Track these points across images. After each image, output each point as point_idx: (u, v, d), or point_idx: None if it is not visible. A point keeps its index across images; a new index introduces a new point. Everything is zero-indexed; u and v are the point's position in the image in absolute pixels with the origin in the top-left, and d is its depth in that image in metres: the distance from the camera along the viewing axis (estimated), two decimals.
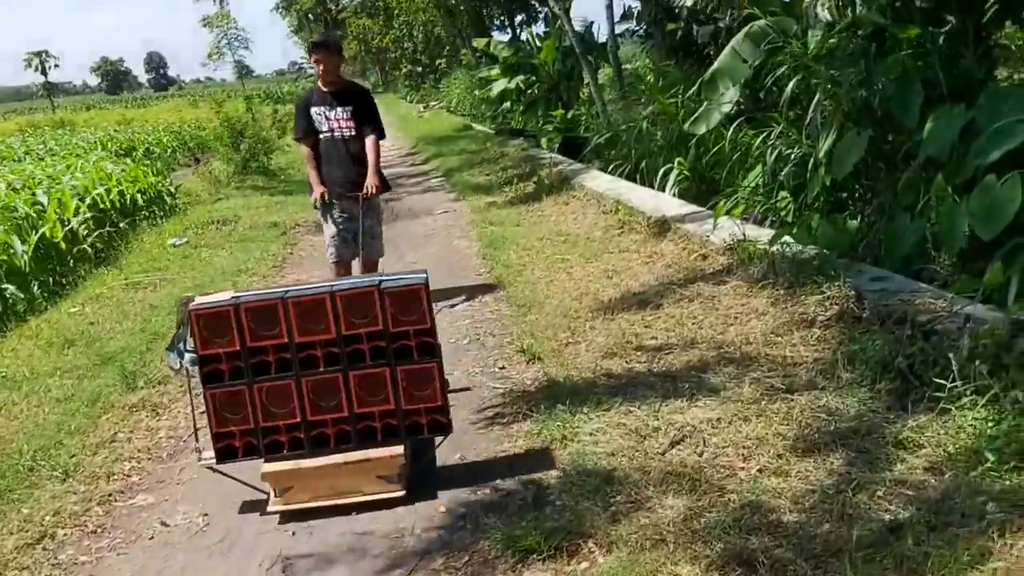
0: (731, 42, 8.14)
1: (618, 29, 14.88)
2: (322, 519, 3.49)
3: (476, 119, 22.05)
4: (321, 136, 5.96)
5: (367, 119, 6.01)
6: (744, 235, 6.04)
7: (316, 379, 3.49)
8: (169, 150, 22.75)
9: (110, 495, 3.83)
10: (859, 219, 6.09)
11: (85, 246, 9.07)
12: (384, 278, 3.64)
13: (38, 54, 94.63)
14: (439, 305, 6.26)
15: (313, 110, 5.96)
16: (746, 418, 3.72)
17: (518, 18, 26.46)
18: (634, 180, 10.09)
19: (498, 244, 7.80)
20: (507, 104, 19.12)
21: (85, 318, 6.61)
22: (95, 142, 21.37)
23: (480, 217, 9.44)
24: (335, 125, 5.96)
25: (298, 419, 3.49)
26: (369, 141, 5.97)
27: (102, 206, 10.35)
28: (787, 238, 5.49)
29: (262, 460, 3.54)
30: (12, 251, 7.61)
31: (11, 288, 7.24)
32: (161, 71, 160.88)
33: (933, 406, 3.50)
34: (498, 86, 18.76)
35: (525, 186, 10.90)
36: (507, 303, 6.11)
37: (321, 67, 5.94)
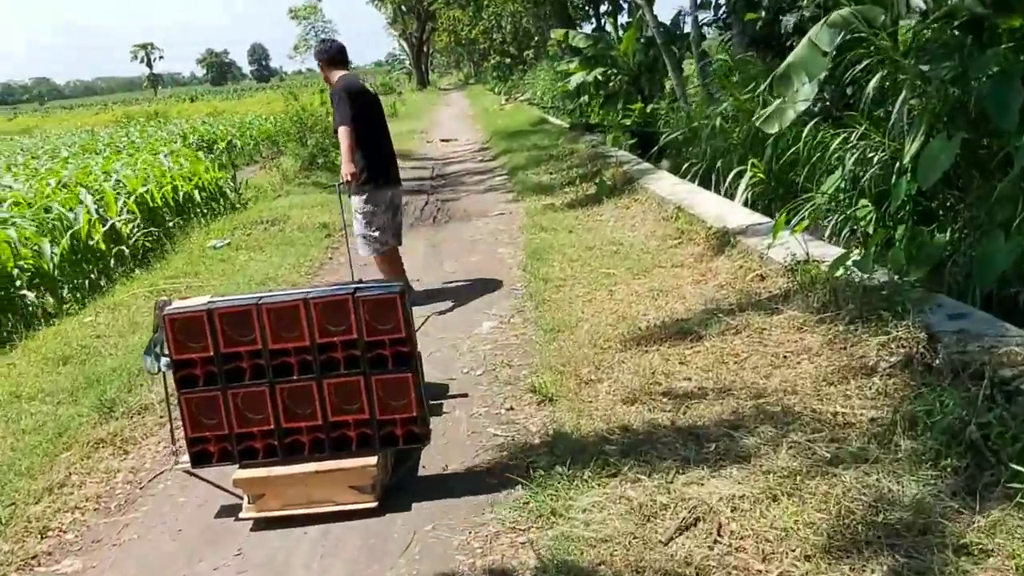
0: (808, 33, 7.35)
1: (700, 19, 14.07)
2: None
3: (556, 113, 21.39)
4: None
5: (335, 114, 6.11)
6: (807, 254, 5.27)
7: (290, 386, 3.45)
8: (252, 143, 22.76)
9: (34, 557, 3.39)
10: (948, 233, 5.31)
11: (124, 247, 8.79)
12: (360, 286, 3.57)
13: (144, 46, 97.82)
14: (425, 309, 6.13)
15: None
16: (776, 497, 3.02)
17: (602, 7, 25.60)
18: (708, 182, 9.35)
19: (543, 254, 7.17)
20: (584, 97, 18.41)
21: (93, 330, 6.27)
22: (179, 135, 21.50)
23: (533, 221, 8.81)
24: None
25: (272, 426, 3.47)
26: (340, 134, 6.00)
27: (152, 204, 10.11)
28: (852, 259, 4.72)
29: (237, 466, 3.50)
30: (40, 254, 7.35)
31: (30, 295, 6.97)
32: (264, 62, 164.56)
33: (1011, 495, 2.75)
34: (576, 79, 18.04)
35: (587, 187, 10.22)
36: (536, 325, 5.49)
37: None
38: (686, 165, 10.16)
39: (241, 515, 3.50)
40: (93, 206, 8.62)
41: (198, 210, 11.37)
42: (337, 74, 6.26)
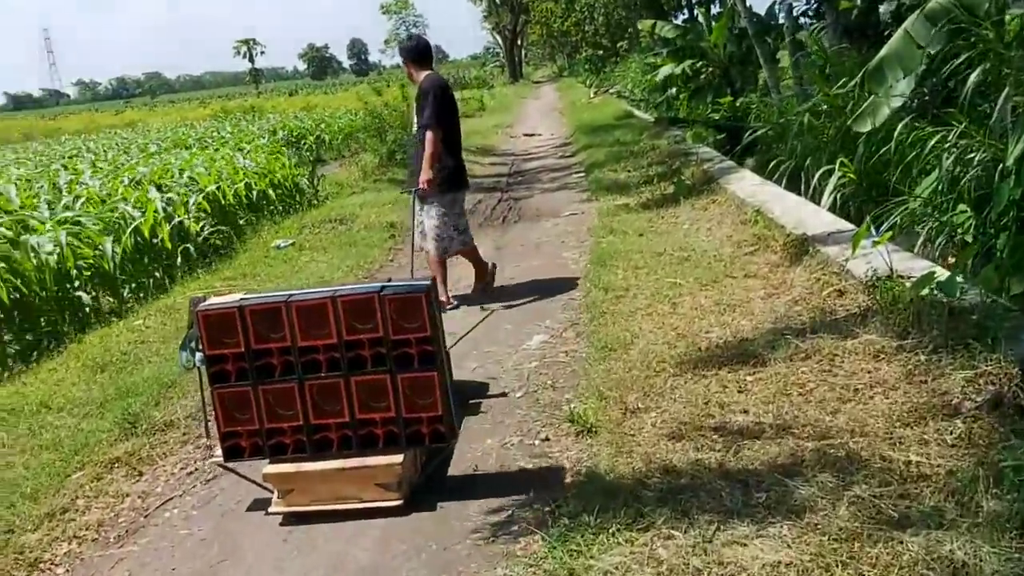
0: (904, 23, 6.75)
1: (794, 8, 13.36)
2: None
3: (645, 106, 20.82)
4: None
5: (421, 113, 6.10)
6: (891, 269, 4.74)
7: (319, 383, 3.48)
8: (340, 138, 22.81)
9: None
10: None
11: (189, 246, 8.72)
12: (388, 284, 3.57)
13: (246, 42, 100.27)
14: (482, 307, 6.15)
15: None
16: (828, 567, 2.59)
17: None
18: (796, 182, 8.77)
19: (608, 260, 6.76)
20: (672, 90, 17.82)
21: (140, 335, 6.15)
22: (269, 130, 21.70)
23: (604, 223, 8.40)
24: (414, 121, 6.33)
25: (301, 422, 3.50)
26: (425, 135, 6.03)
27: (223, 202, 10.07)
28: (938, 279, 4.18)
29: (267, 461, 3.56)
30: (102, 253, 7.30)
31: (85, 296, 6.91)
32: (362, 57, 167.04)
33: None
34: (664, 71, 17.49)
35: (665, 186, 9.73)
36: (589, 341, 5.11)
37: None
38: (773, 163, 9.59)
39: (270, 509, 3.54)
40: (161, 204, 8.57)
41: (272, 207, 11.31)
42: (423, 72, 6.25)
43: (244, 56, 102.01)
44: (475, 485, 3.64)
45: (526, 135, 20.18)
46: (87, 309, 6.97)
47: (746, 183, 8.61)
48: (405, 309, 3.43)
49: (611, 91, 29.66)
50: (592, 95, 29.55)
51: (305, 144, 21.34)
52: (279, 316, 3.43)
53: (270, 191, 11.34)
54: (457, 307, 6.31)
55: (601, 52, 42.22)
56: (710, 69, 16.55)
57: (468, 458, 3.89)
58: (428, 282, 3.57)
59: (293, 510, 3.51)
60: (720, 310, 5.22)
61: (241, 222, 10.21)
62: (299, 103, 37.95)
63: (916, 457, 3.10)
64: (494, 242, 8.37)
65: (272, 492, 3.58)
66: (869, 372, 3.84)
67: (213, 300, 3.63)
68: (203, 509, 3.68)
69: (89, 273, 7.20)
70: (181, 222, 8.77)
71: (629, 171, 11.37)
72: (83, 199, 9.20)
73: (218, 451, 3.63)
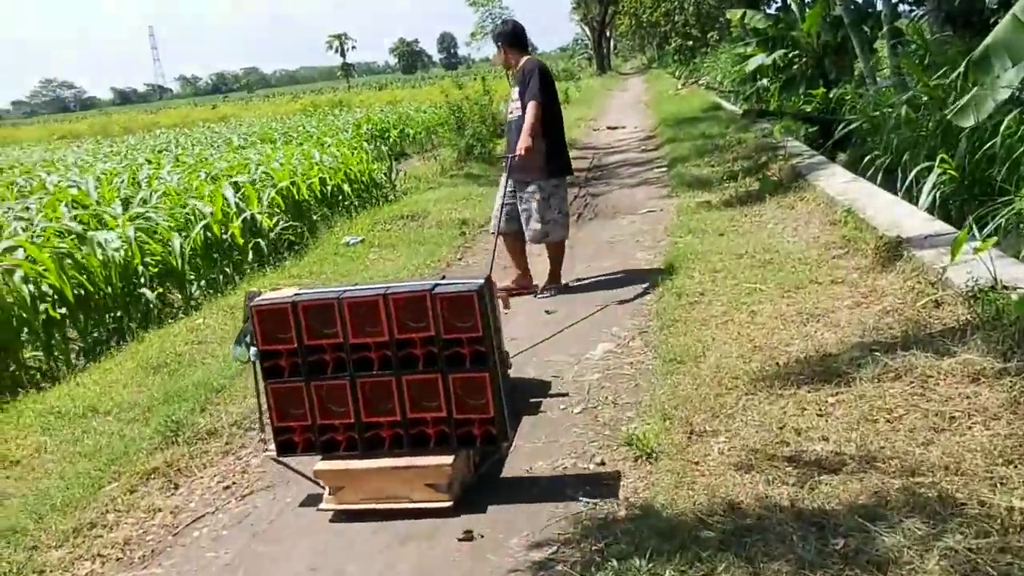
0: (1013, 8, 6.17)
1: None
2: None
3: (734, 98, 20.15)
4: (507, 118, 6.44)
5: (526, 90, 6.04)
6: (995, 278, 4.27)
7: (370, 381, 3.46)
8: (424, 132, 22.75)
9: None
10: None
11: (259, 241, 8.65)
12: (439, 282, 3.51)
13: (338, 36, 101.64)
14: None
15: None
16: None
17: None
18: (892, 180, 8.22)
19: (684, 262, 6.39)
20: (763, 81, 17.15)
21: (198, 334, 6.04)
22: (354, 124, 21.78)
23: (682, 221, 8.00)
24: (512, 107, 6.29)
25: (352, 420, 3.48)
26: (527, 108, 5.97)
27: (297, 197, 10.00)
28: None
29: (319, 457, 3.55)
30: (170, 249, 7.26)
31: (149, 293, 6.86)
32: (452, 50, 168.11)
33: None
34: (754, 61, 16.82)
35: (750, 182, 9.26)
36: (657, 352, 4.77)
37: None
38: (866, 159, 9.03)
39: (321, 506, 3.51)
40: (233, 199, 8.52)
41: (347, 203, 11.21)
42: (522, 56, 6.28)
43: (336, 51, 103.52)
44: (517, 515, 3.35)
45: (610, 128, 19.77)
46: (151, 306, 6.91)
47: (836, 180, 8.10)
48: (456, 308, 3.36)
49: (700, 82, 28.92)
50: (679, 87, 28.88)
51: (389, 138, 21.37)
52: (331, 312, 3.41)
53: (345, 186, 11.23)
54: (535, 293, 6.38)
55: (691, 43, 41.33)
56: (803, 59, 15.85)
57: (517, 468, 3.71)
58: (481, 281, 3.44)
59: (344, 507, 3.47)
60: (802, 320, 4.81)
61: (315, 217, 10.12)
62: (386, 97, 38.24)
63: (1020, 503, 2.69)
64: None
65: (323, 488, 3.55)
66: (967, 398, 3.41)
67: (267, 295, 3.64)
68: (234, 528, 3.49)
69: (156, 270, 7.16)
70: (253, 217, 8.70)
71: (713, 166, 10.91)
72: (159, 194, 9.23)
73: (271, 445, 3.64)
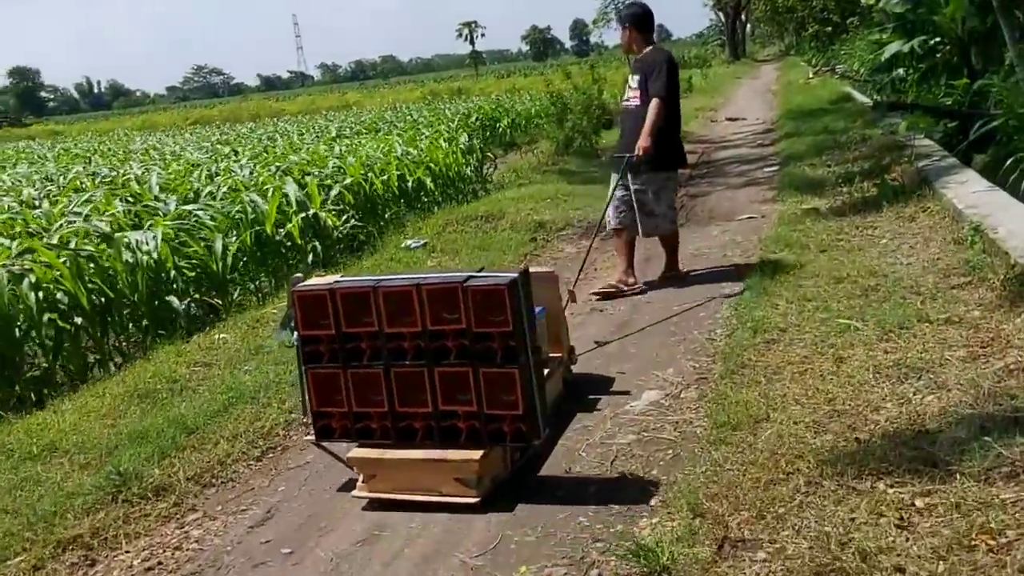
0: None
1: None
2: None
3: (867, 88, 18.54)
4: (622, 105, 6.29)
5: (650, 82, 5.86)
6: None
7: (404, 371, 3.45)
8: (523, 123, 21.95)
9: None
10: None
11: (316, 243, 8.07)
12: (475, 275, 3.42)
13: (468, 24, 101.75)
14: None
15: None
16: None
17: None
18: None
19: (771, 285, 5.43)
20: (900, 71, 15.59)
21: (207, 354, 5.46)
22: (464, 113, 21.21)
23: (782, 232, 6.98)
24: (629, 95, 6.08)
25: (386, 409, 3.49)
26: (650, 105, 5.81)
27: (369, 193, 9.42)
28: None
29: (355, 445, 3.60)
30: (210, 254, 6.74)
31: (175, 301, 6.30)
32: (584, 38, 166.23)
33: None
34: (890, 49, 15.28)
35: (868, 187, 8.10)
36: (710, 409, 3.87)
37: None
38: (1010, 161, 7.75)
39: (354, 493, 3.55)
40: (294, 195, 7.98)
41: (428, 199, 10.58)
42: (647, 43, 6.10)
43: (465, 39, 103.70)
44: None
45: (729, 119, 18.52)
46: (177, 316, 6.36)
47: (968, 188, 6.90)
48: (487, 301, 3.30)
49: (836, 71, 27.03)
50: (810, 75, 27.03)
51: (499, 128, 20.70)
52: (367, 301, 3.42)
53: (428, 181, 10.59)
54: (645, 291, 6.10)
55: (829, 29, 39.07)
56: (945, 47, 14.29)
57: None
58: (514, 275, 3.32)
59: (376, 496, 3.49)
60: (900, 375, 3.83)
61: (387, 215, 9.51)
62: (505, 85, 37.59)
63: None
64: (645, 250, 7.15)
65: (358, 476, 3.60)
66: None
67: (310, 281, 3.73)
68: None
69: (193, 273, 6.65)
70: (316, 216, 8.14)
71: (829, 166, 9.73)
72: (225, 187, 8.80)
73: (312, 432, 3.68)
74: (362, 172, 9.43)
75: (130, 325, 6.28)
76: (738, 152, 13.15)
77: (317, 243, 8.02)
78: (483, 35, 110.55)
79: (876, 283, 5.24)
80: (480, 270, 3.54)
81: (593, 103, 16.62)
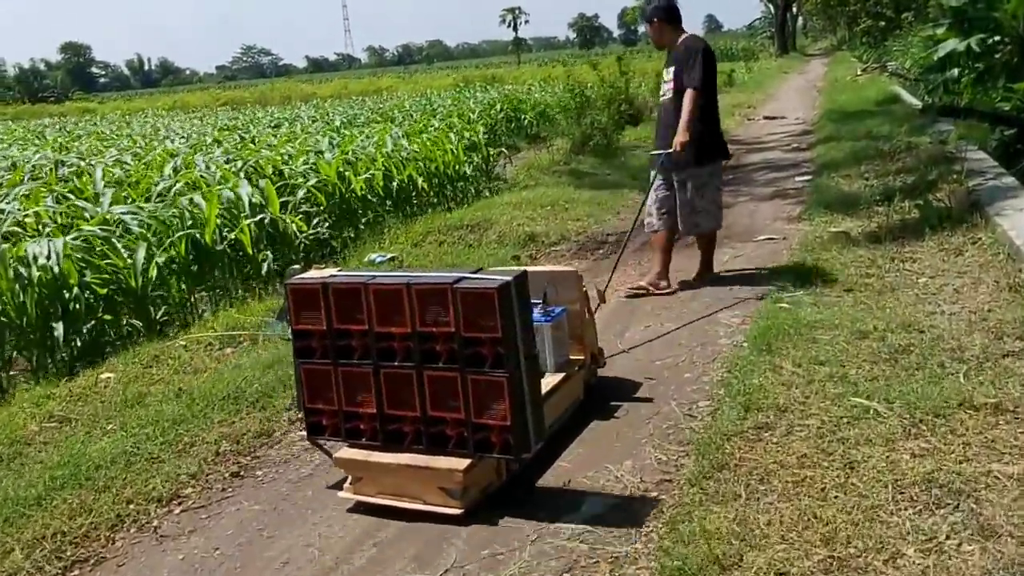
0: None
1: None
2: None
3: (918, 88, 17.21)
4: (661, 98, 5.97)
5: (684, 73, 5.57)
6: None
7: (393, 372, 3.31)
8: (538, 116, 20.72)
9: None
10: None
11: (269, 253, 7.07)
12: (467, 276, 3.21)
13: (511, 11, 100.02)
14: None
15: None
16: None
17: None
18: None
19: (777, 340, 4.37)
20: (954, 71, 14.27)
21: (76, 403, 4.50)
22: (489, 103, 20.14)
23: (801, 263, 5.92)
24: (665, 88, 5.81)
25: (375, 410, 3.37)
26: (685, 96, 5.52)
27: (346, 194, 8.46)
28: None
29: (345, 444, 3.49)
30: (130, 267, 5.78)
31: (57, 328, 5.19)
32: (632, 27, 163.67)
33: None
34: (944, 47, 13.98)
35: (909, 207, 6.98)
36: (662, 540, 2.85)
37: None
38: None
39: (341, 494, 3.47)
40: (247, 197, 7.01)
41: (423, 200, 9.59)
42: (680, 33, 5.78)
43: (509, 25, 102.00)
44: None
45: (767, 118, 17.28)
46: (60, 345, 5.33)
47: None
48: (478, 305, 3.13)
49: (887, 68, 25.54)
50: (858, 72, 25.50)
51: (525, 119, 19.62)
52: (359, 297, 3.31)
53: (421, 181, 9.60)
54: (675, 291, 5.83)
55: (882, 24, 37.40)
56: (1006, 46, 13.00)
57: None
58: (508, 278, 3.12)
59: (361, 499, 3.40)
60: (930, 499, 2.81)
61: (367, 220, 8.54)
62: (541, 74, 36.33)
63: None
64: (639, 276, 6.16)
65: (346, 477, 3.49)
66: None
67: (309, 274, 3.63)
68: None
69: (105, 291, 5.69)
70: (273, 220, 7.18)
71: (867, 179, 8.57)
72: (182, 184, 7.89)
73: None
74: (340, 169, 8.45)
75: (15, 355, 5.35)
76: (770, 156, 11.97)
77: (270, 253, 7.03)
78: (526, 22, 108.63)
79: (909, 342, 4.17)
80: (478, 271, 3.29)
81: (619, 97, 15.55)
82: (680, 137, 5.44)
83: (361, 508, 3.35)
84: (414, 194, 9.59)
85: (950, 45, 13.70)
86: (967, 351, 3.99)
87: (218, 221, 6.62)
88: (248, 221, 6.76)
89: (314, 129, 14.61)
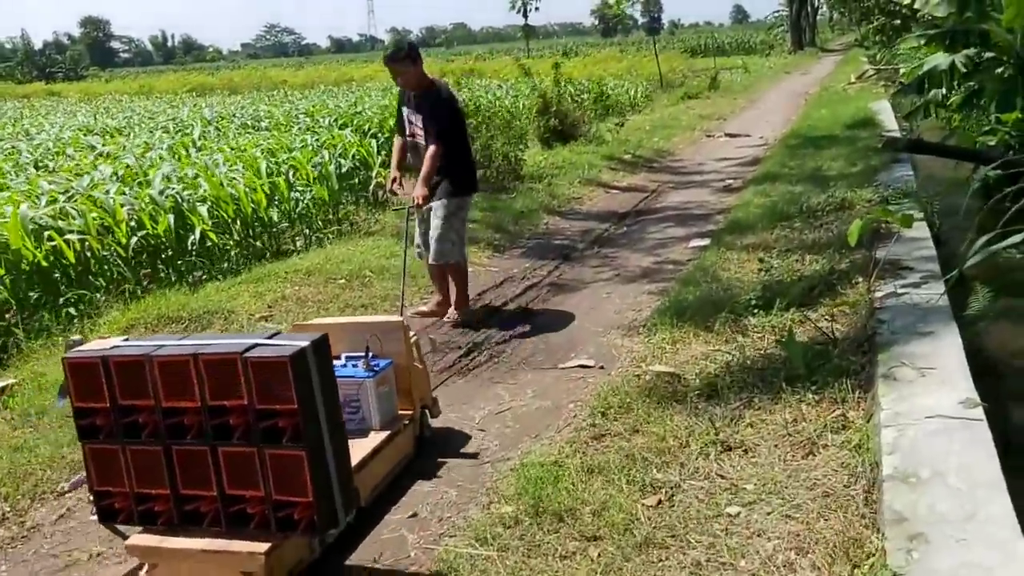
0: None
1: None
2: None
3: (905, 108, 14.86)
4: (407, 139, 6.00)
5: (432, 124, 5.72)
6: None
7: (185, 450, 3.01)
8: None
9: None
10: None
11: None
12: (262, 342, 2.90)
13: None
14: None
15: (404, 110, 5.95)
16: None
17: None
18: None
19: None
20: (937, 92, 11.95)
21: None
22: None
23: (577, 432, 3.79)
24: (414, 131, 5.89)
25: (168, 491, 3.05)
26: (428, 151, 5.67)
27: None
28: None
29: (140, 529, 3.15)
30: None
31: None
32: (655, 15, 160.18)
33: None
34: (930, 62, 11.70)
35: (782, 326, 4.76)
36: None
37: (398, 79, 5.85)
38: None
39: None
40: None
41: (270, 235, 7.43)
42: (428, 74, 5.87)
43: (518, 11, 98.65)
44: None
45: (729, 136, 15.00)
46: None
47: (934, 397, 3.56)
48: (271, 374, 2.80)
49: (897, 74, 22.98)
50: (852, 80, 22.90)
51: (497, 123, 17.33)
52: (143, 371, 2.93)
53: (270, 212, 7.51)
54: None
55: (898, 21, 34.82)
56: (997, 65, 10.75)
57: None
58: (303, 343, 2.82)
59: None
60: None
61: (70, 294, 6.23)
62: (544, 66, 33.78)
63: None
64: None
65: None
66: None
67: (90, 345, 3.16)
68: None
69: None
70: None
71: (768, 258, 6.20)
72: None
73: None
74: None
75: None
76: (690, 199, 9.67)
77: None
78: (536, 9, 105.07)
79: None
80: (274, 335, 2.97)
81: (550, 108, 13.46)
82: (418, 192, 5.62)
83: None
84: (257, 230, 7.38)
85: (935, 60, 11.46)
86: None
87: None
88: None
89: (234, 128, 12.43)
